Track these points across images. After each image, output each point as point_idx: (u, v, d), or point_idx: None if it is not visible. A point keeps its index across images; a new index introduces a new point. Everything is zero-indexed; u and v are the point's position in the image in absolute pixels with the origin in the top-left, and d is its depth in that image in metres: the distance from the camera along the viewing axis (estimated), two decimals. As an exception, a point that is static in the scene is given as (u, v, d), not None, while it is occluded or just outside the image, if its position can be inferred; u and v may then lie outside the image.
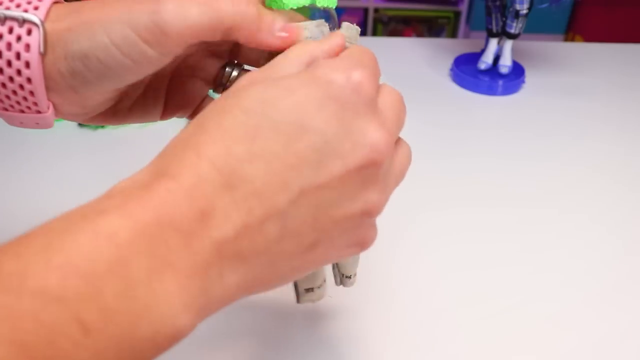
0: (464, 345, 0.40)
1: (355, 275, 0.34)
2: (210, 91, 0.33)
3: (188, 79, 0.31)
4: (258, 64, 0.31)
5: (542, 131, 0.66)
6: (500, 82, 0.73)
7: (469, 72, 0.75)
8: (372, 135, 0.22)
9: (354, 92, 0.22)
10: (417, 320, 0.41)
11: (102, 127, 0.63)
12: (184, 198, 0.20)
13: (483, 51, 0.75)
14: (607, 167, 0.60)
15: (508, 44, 0.73)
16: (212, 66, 0.31)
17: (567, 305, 0.43)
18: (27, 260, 0.18)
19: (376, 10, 2.21)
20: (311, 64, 0.24)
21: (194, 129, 0.22)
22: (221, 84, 0.31)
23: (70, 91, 0.26)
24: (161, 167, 0.21)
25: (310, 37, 0.27)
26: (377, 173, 0.23)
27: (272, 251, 0.21)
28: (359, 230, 0.24)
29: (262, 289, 0.23)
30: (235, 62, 0.31)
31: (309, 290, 0.33)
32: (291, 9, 0.27)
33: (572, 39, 2.21)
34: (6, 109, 0.27)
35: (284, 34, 0.26)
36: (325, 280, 0.33)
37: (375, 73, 0.24)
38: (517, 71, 0.76)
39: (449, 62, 0.80)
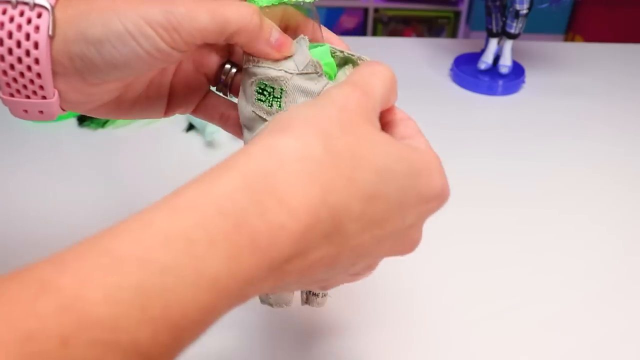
0: (463, 346, 0.40)
1: (324, 296, 0.34)
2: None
3: (191, 74, 0.32)
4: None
5: (542, 131, 0.66)
6: (500, 82, 0.73)
7: (469, 72, 0.75)
8: (418, 238, 0.27)
9: (440, 204, 0.26)
10: (416, 320, 0.41)
11: (102, 127, 0.63)
12: (293, 241, 0.20)
13: (483, 51, 0.75)
14: (607, 167, 0.60)
15: (508, 44, 0.73)
16: (213, 63, 0.32)
17: (567, 306, 0.43)
18: (119, 303, 0.17)
19: (376, 10, 2.21)
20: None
21: (319, 147, 0.21)
22: (220, 81, 0.32)
23: (76, 77, 0.27)
24: (278, 185, 0.20)
25: (295, 52, 0.29)
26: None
27: (309, 275, 0.23)
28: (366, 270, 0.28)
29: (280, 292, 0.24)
30: (233, 62, 0.33)
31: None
32: (265, 5, 0.28)
33: (572, 39, 2.21)
34: (12, 95, 0.27)
35: (279, 44, 0.28)
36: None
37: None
38: (517, 71, 0.76)
39: (449, 62, 0.80)
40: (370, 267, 0.28)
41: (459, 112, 0.70)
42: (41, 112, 0.28)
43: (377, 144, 0.23)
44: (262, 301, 0.33)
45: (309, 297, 0.34)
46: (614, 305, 0.43)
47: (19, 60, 0.26)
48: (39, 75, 0.26)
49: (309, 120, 0.22)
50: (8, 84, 0.27)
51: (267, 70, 0.28)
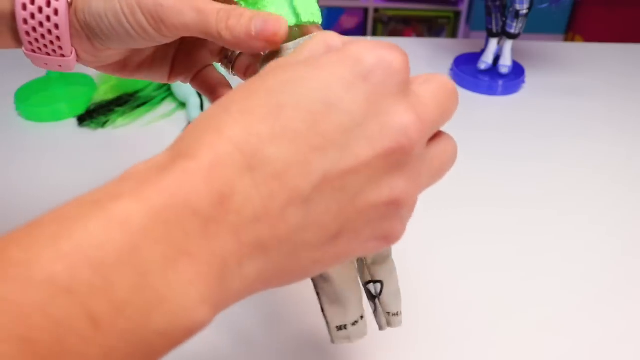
0: (463, 346, 0.40)
1: (400, 313, 0.31)
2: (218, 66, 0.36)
3: (196, 47, 0.34)
4: None
5: (542, 131, 0.66)
6: (500, 82, 0.73)
7: (469, 72, 0.75)
8: (401, 118, 0.21)
9: (385, 72, 0.21)
10: (414, 320, 0.41)
11: (102, 127, 0.63)
12: (202, 179, 0.18)
13: (483, 51, 0.75)
14: (607, 167, 0.60)
15: (508, 44, 0.73)
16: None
17: (566, 306, 0.43)
18: (34, 248, 0.17)
19: (376, 10, 2.21)
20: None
21: (215, 109, 0.21)
22: (226, 57, 0.34)
23: (86, 41, 0.30)
24: (179, 149, 0.20)
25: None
26: (405, 160, 0.21)
27: (294, 240, 0.20)
28: (385, 222, 0.22)
29: (281, 283, 0.22)
30: None
31: (341, 328, 0.29)
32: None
33: (572, 39, 2.21)
34: (34, 51, 0.30)
35: (264, 35, 0.27)
36: (363, 317, 0.29)
37: (407, 59, 0.23)
38: (517, 71, 0.76)
39: (449, 62, 0.80)
40: (390, 192, 0.21)
41: (459, 112, 0.69)
42: (60, 66, 0.31)
43: (281, 75, 0.21)
44: (337, 338, 0.29)
45: (388, 319, 0.31)
46: (613, 305, 0.43)
47: (41, 24, 0.29)
48: (58, 38, 0.29)
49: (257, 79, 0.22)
50: (30, 43, 0.30)
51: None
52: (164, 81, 0.35)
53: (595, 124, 0.68)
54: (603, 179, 0.58)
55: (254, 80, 0.21)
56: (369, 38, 0.30)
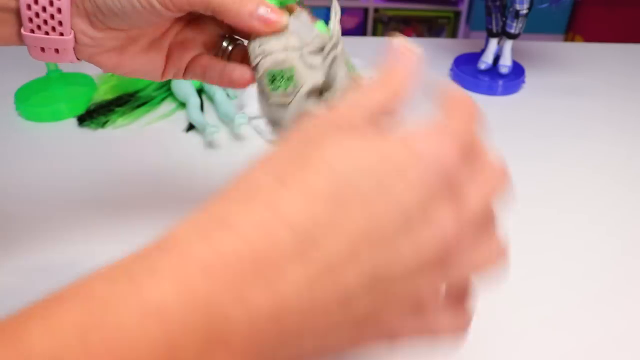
0: (462, 345, 0.40)
1: None
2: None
3: (190, 40, 0.35)
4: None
5: (542, 131, 0.66)
6: (500, 82, 0.73)
7: (469, 72, 0.75)
8: (444, 229, 0.20)
9: (442, 176, 0.20)
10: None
11: (102, 127, 0.63)
12: (251, 263, 0.17)
13: (483, 51, 0.75)
14: (607, 167, 0.60)
15: (508, 44, 0.73)
16: (212, 31, 0.35)
17: (566, 305, 0.43)
18: (60, 339, 0.15)
19: (376, 10, 2.21)
20: (379, 113, 0.22)
21: (262, 175, 0.20)
22: (222, 49, 0.35)
23: (85, 19, 0.30)
24: (225, 214, 0.19)
25: (294, 30, 0.30)
26: (445, 264, 0.21)
27: (330, 334, 0.19)
28: (415, 316, 0.22)
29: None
30: (233, 36, 0.36)
31: None
32: None
33: (572, 39, 2.21)
34: (32, 31, 0.30)
35: (266, 18, 0.29)
36: None
37: (470, 143, 0.22)
38: (517, 71, 0.76)
39: (449, 62, 0.80)
40: (429, 287, 0.21)
41: (459, 112, 0.70)
42: (57, 50, 0.31)
43: (335, 145, 0.20)
44: None
45: None
46: (613, 305, 0.43)
47: None
48: (59, 10, 0.29)
49: (283, 151, 0.21)
50: (30, 19, 0.30)
51: (273, 56, 0.30)
52: (158, 76, 0.35)
53: (595, 124, 0.68)
54: (603, 178, 0.58)
55: (306, 144, 0.20)
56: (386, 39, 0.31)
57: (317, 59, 0.30)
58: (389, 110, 0.23)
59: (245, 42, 0.35)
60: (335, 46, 0.30)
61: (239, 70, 0.33)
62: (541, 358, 0.39)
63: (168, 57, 0.35)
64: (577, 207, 0.54)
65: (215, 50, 0.36)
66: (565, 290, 0.45)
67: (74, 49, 0.31)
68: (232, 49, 0.35)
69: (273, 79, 0.30)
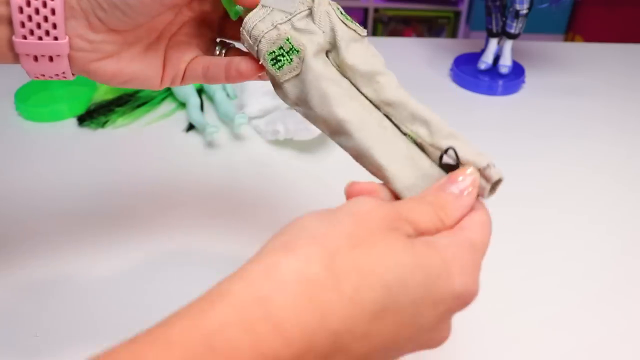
0: (462, 345, 0.40)
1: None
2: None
3: (185, 43, 0.35)
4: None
5: (542, 131, 0.66)
6: (500, 82, 0.73)
7: (469, 72, 0.75)
8: (442, 338, 0.25)
9: (463, 306, 0.24)
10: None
11: (102, 127, 0.63)
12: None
13: (483, 51, 0.75)
14: (607, 167, 0.60)
15: (508, 44, 0.73)
16: (204, 35, 0.35)
17: (566, 305, 0.43)
18: None
19: (376, 10, 2.21)
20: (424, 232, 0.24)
21: (320, 268, 0.21)
22: (218, 52, 0.36)
23: (82, 21, 0.29)
24: (274, 311, 0.20)
25: (273, 6, 0.30)
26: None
27: None
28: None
29: None
30: (224, 41, 0.36)
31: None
32: None
33: (572, 39, 2.21)
34: (25, 37, 0.29)
35: None
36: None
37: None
38: (517, 71, 0.76)
39: (449, 62, 0.80)
40: None
41: (459, 112, 0.70)
42: (51, 58, 0.30)
43: (389, 255, 0.22)
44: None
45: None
46: (613, 305, 0.43)
47: None
48: (53, 11, 0.29)
49: (317, 237, 0.22)
50: (22, 23, 0.29)
51: (266, 37, 0.30)
52: (157, 83, 0.34)
53: (595, 124, 0.68)
54: (603, 178, 0.58)
55: (364, 249, 0.22)
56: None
57: (309, 22, 0.30)
58: (430, 233, 0.25)
59: (236, 44, 0.36)
60: (320, 2, 0.30)
61: (244, 62, 0.33)
62: (541, 358, 0.39)
63: (165, 62, 0.34)
64: (577, 206, 0.54)
65: (212, 50, 0.36)
66: (565, 289, 0.45)
67: (69, 57, 0.30)
68: (225, 53, 0.35)
69: (275, 59, 0.30)
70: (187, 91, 0.65)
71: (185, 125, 0.64)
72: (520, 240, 0.49)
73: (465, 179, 0.28)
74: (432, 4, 2.20)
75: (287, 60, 0.30)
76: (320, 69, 0.29)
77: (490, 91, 0.74)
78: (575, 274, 0.46)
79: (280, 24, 0.30)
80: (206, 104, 0.67)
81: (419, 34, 2.27)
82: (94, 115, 0.64)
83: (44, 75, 0.31)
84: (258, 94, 0.64)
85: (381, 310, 0.21)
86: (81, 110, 0.65)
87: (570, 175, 0.58)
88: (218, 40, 0.36)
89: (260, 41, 0.30)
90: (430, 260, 0.22)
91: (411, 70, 0.78)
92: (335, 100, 0.29)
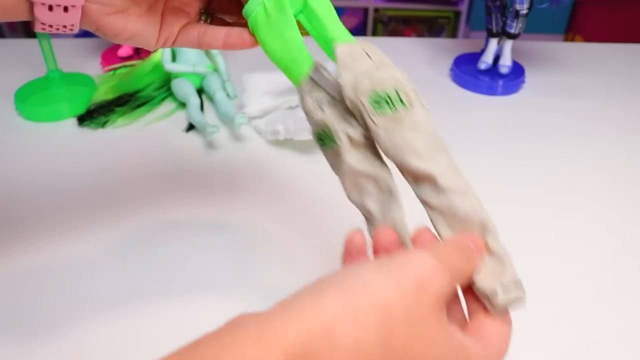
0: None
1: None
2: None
3: (178, 9, 0.37)
4: (229, 10, 0.37)
5: (542, 131, 0.66)
6: (500, 82, 0.73)
7: (469, 72, 0.75)
8: None
9: None
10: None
11: (102, 127, 0.63)
12: None
13: (483, 51, 0.75)
14: (607, 167, 0.60)
15: (508, 44, 0.73)
16: (194, 4, 0.38)
17: (567, 304, 0.43)
18: None
19: (376, 10, 2.21)
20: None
21: (376, 342, 0.21)
22: (206, 12, 0.38)
23: None
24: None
25: (319, 83, 0.31)
26: None
27: None
28: None
29: None
30: (209, 10, 0.38)
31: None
32: None
33: (572, 39, 2.21)
34: None
35: None
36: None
37: None
38: (517, 71, 0.76)
39: (449, 62, 0.80)
40: None
41: (459, 112, 0.70)
42: (65, 9, 0.31)
43: (435, 343, 0.22)
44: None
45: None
46: (613, 304, 0.43)
47: None
48: None
49: (378, 299, 0.21)
50: None
51: (312, 115, 0.31)
52: (153, 42, 0.36)
53: (595, 124, 0.68)
54: (603, 177, 0.58)
55: (381, 318, 0.21)
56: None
57: (344, 106, 0.31)
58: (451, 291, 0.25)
59: (217, 14, 0.38)
60: (358, 90, 0.31)
61: (246, 32, 0.35)
62: (542, 357, 0.39)
63: (162, 24, 0.36)
64: (577, 206, 0.54)
65: (196, 19, 0.38)
66: (565, 289, 0.45)
67: (82, 9, 0.32)
68: (210, 22, 0.38)
69: (320, 139, 0.32)
70: (187, 91, 0.65)
71: (185, 125, 0.64)
72: (520, 239, 0.49)
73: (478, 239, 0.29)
74: (432, 4, 2.20)
75: (329, 143, 0.31)
76: (354, 164, 0.31)
77: (490, 91, 0.74)
78: (575, 273, 0.46)
79: (326, 106, 0.31)
80: (206, 104, 0.67)
81: (419, 34, 2.27)
82: (94, 115, 0.64)
83: (51, 27, 0.32)
84: (258, 94, 0.64)
85: None
86: (81, 110, 0.65)
87: (570, 174, 0.58)
88: (202, 10, 0.38)
89: (308, 117, 0.32)
90: (468, 353, 0.24)
91: (411, 70, 0.77)
92: (366, 196, 0.31)
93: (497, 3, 0.71)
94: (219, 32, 0.36)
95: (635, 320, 0.42)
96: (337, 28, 0.33)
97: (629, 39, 0.99)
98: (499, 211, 0.53)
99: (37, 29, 0.32)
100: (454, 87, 0.75)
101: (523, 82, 0.76)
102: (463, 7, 2.20)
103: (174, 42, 0.37)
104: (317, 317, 0.20)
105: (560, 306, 0.43)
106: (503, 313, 0.27)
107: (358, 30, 2.21)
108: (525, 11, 0.69)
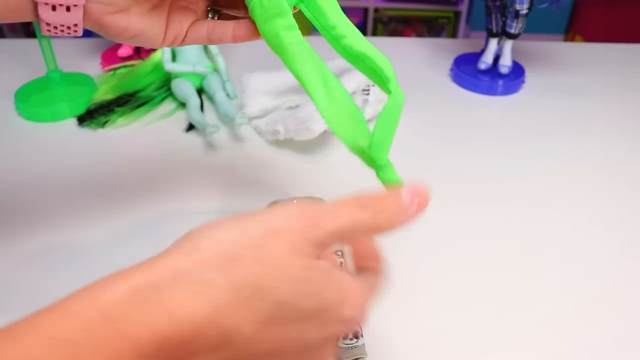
0: (463, 345, 0.40)
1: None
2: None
3: (184, 9, 0.37)
4: (236, 5, 0.37)
5: (542, 131, 0.66)
6: (500, 82, 0.73)
7: (469, 72, 0.75)
8: (327, 356, 0.26)
9: (345, 328, 0.26)
10: (415, 319, 0.41)
11: (102, 127, 0.63)
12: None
13: (483, 51, 0.75)
14: (607, 167, 0.60)
15: (508, 44, 0.73)
16: (201, 2, 0.38)
17: (567, 305, 0.43)
18: None
19: (376, 10, 2.21)
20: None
21: (219, 274, 0.23)
22: (213, 10, 0.38)
23: None
24: (168, 299, 0.22)
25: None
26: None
27: None
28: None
29: None
30: (215, 8, 0.39)
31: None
32: None
33: (572, 39, 2.21)
34: None
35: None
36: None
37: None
38: (517, 71, 0.76)
39: (449, 62, 0.80)
40: None
41: (459, 112, 0.70)
42: (68, 9, 0.31)
43: (288, 279, 0.23)
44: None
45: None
46: (613, 305, 0.43)
47: None
48: None
49: (222, 243, 0.23)
50: None
51: None
52: (160, 40, 0.36)
53: (595, 124, 0.68)
54: (603, 178, 0.58)
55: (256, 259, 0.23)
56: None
57: None
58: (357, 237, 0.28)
59: (224, 10, 0.38)
60: None
61: (243, 24, 0.36)
62: (541, 357, 0.39)
63: (168, 23, 0.36)
64: (577, 206, 0.54)
65: (204, 16, 0.38)
66: (565, 289, 0.45)
67: (84, 9, 0.32)
68: (218, 19, 0.38)
69: None
70: (187, 91, 0.65)
71: (185, 125, 0.64)
72: (520, 240, 0.49)
73: (421, 192, 0.29)
74: (432, 4, 2.20)
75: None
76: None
77: (490, 91, 0.74)
78: (576, 273, 0.46)
79: None
80: (206, 104, 0.67)
81: (419, 34, 2.27)
82: (94, 115, 0.64)
83: (56, 28, 0.32)
84: (258, 94, 0.64)
85: (268, 320, 0.23)
86: (81, 110, 0.65)
87: (570, 175, 0.58)
88: (209, 8, 0.38)
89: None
90: (328, 291, 0.24)
91: (411, 70, 0.78)
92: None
93: (497, 3, 0.71)
94: (227, 26, 0.37)
95: (635, 321, 0.42)
96: (337, 15, 0.33)
97: (629, 39, 0.99)
98: (499, 211, 0.53)
99: (43, 31, 0.33)
100: (454, 87, 0.75)
101: (523, 82, 0.76)
102: (463, 7, 2.20)
103: (183, 40, 0.37)
104: (163, 261, 0.23)
105: (560, 306, 0.43)
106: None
107: (358, 30, 2.21)
108: (525, 11, 0.69)
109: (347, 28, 0.33)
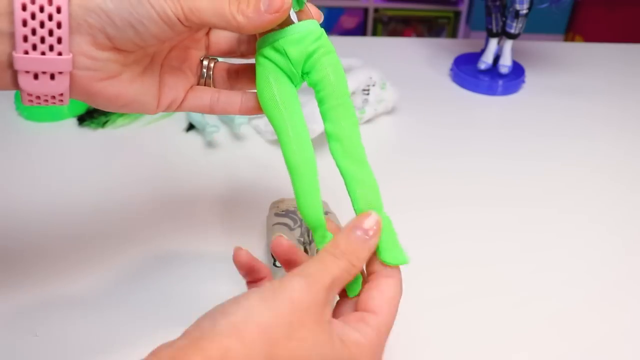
0: (465, 343, 0.40)
1: None
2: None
3: (177, 70, 0.35)
4: (229, 52, 0.36)
5: (542, 131, 0.66)
6: (500, 82, 0.73)
7: (469, 72, 0.75)
8: None
9: None
10: (416, 317, 0.41)
11: (102, 127, 0.63)
12: None
13: (483, 51, 0.75)
14: (607, 167, 0.60)
15: (508, 44, 0.73)
16: (194, 57, 0.36)
17: (567, 304, 0.43)
18: None
19: (376, 10, 2.21)
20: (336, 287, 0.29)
21: (264, 358, 0.26)
22: (201, 75, 0.36)
23: (87, 37, 0.28)
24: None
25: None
26: None
27: None
28: None
29: None
30: (210, 57, 0.37)
31: None
32: None
33: (572, 39, 2.21)
34: (27, 52, 0.28)
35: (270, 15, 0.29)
36: None
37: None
38: (517, 71, 0.76)
39: (449, 62, 0.80)
40: None
41: (459, 112, 0.70)
42: (52, 76, 0.29)
43: (317, 344, 0.27)
44: None
45: None
46: (614, 304, 0.43)
47: (41, 8, 0.27)
48: (59, 24, 0.27)
49: (261, 325, 0.26)
50: (25, 37, 0.27)
51: None
52: (154, 106, 0.34)
53: (595, 124, 0.68)
54: (603, 178, 0.58)
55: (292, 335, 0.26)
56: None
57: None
58: (346, 281, 0.30)
59: (220, 59, 0.36)
60: None
61: (254, 96, 0.34)
62: (544, 355, 0.39)
63: (161, 86, 0.34)
64: (577, 206, 0.54)
65: (198, 74, 0.36)
66: (566, 288, 0.45)
67: (70, 76, 0.29)
68: (213, 66, 0.36)
69: None
70: (187, 91, 0.65)
71: (185, 125, 0.64)
72: (520, 239, 0.49)
73: (369, 220, 0.31)
74: (432, 4, 2.20)
75: None
76: None
77: (490, 91, 0.74)
78: (575, 273, 0.46)
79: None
80: (206, 104, 0.67)
81: (419, 34, 2.27)
82: (94, 115, 0.64)
83: (39, 98, 0.30)
84: (258, 94, 0.64)
85: None
86: (81, 110, 0.65)
87: (570, 175, 0.58)
88: (202, 58, 0.36)
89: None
90: (341, 353, 0.28)
91: (411, 70, 0.78)
92: None
93: (497, 3, 0.71)
94: (234, 97, 0.35)
95: (636, 319, 0.42)
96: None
97: (629, 39, 0.99)
98: (499, 211, 0.53)
99: (25, 101, 0.30)
100: (454, 87, 0.75)
101: (523, 82, 0.76)
102: (463, 7, 2.20)
103: (180, 106, 0.35)
104: (214, 344, 0.25)
105: (560, 306, 0.43)
106: (392, 274, 0.32)
107: (358, 30, 2.21)
108: (525, 11, 0.69)
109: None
